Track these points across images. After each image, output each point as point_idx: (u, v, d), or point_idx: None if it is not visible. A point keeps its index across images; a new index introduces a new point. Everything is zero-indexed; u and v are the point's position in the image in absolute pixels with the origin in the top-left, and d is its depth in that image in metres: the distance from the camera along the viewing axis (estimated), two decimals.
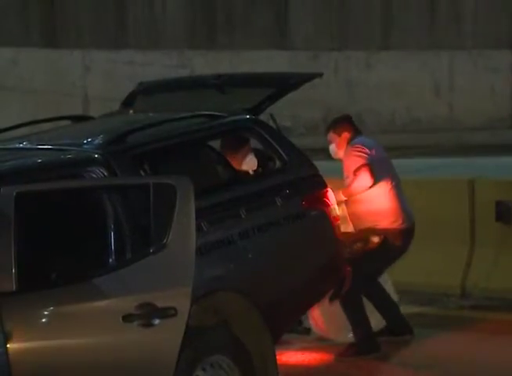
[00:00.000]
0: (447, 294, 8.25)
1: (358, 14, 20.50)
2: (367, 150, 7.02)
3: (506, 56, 21.23)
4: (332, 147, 7.18)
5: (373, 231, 7.00)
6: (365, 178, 6.90)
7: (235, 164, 6.20)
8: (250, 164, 6.51)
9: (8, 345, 4.45)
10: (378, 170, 6.97)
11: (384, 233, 7.00)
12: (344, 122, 7.25)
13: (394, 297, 7.30)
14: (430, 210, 8.44)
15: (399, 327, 7.20)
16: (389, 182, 7.08)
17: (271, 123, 6.42)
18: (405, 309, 7.36)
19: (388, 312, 7.20)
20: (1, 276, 4.50)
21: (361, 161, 6.95)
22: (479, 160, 12.06)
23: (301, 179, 6.15)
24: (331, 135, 7.18)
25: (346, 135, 7.13)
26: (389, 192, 7.06)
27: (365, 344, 6.91)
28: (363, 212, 6.99)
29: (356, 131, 7.21)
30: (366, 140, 7.26)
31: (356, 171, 6.91)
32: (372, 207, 6.98)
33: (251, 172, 6.42)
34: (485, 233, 8.34)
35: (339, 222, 6.28)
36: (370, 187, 6.92)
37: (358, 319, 6.93)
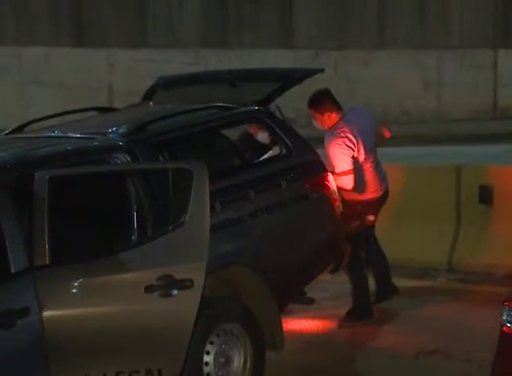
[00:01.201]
0: (436, 269, 8.23)
1: (355, 17, 20.43)
2: (351, 137, 6.64)
3: (489, 55, 21.16)
4: (315, 123, 6.86)
5: (355, 203, 6.80)
6: (347, 181, 6.60)
7: None
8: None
9: (42, 313, 4.48)
10: (357, 151, 6.68)
11: (364, 204, 6.86)
12: (325, 101, 6.81)
13: None
14: (421, 193, 8.43)
15: (389, 289, 7.22)
16: (367, 159, 6.78)
17: (277, 114, 6.40)
18: (397, 282, 7.35)
19: (381, 272, 7.19)
20: (36, 251, 4.52)
21: (344, 165, 6.58)
22: (465, 148, 11.99)
23: (304, 164, 6.13)
24: (313, 114, 6.82)
25: (328, 114, 6.75)
26: (366, 167, 6.80)
27: (363, 310, 6.90)
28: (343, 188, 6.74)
29: (338, 109, 6.79)
30: (350, 118, 6.80)
31: (339, 173, 6.57)
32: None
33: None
34: (470, 214, 8.32)
35: (338, 203, 6.28)
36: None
37: (359, 286, 6.91)
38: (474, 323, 6.71)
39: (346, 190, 6.62)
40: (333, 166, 6.59)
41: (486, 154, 9.70)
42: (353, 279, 6.93)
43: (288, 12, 20.13)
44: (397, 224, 8.38)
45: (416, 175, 8.67)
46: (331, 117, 6.80)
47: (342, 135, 6.69)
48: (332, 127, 6.79)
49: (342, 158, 6.64)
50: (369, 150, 6.83)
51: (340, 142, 6.67)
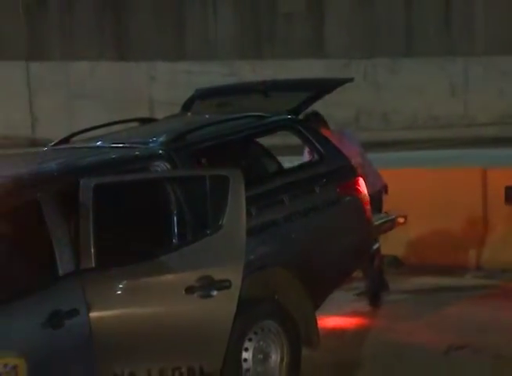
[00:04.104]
0: (464, 267, 8.19)
1: (383, 26, 20.36)
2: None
3: None
4: None
5: None
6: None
7: None
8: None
9: (90, 314, 4.51)
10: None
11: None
12: (320, 120, 7.13)
13: None
14: (449, 195, 8.39)
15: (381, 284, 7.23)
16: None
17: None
18: (426, 280, 7.33)
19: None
20: (82, 255, 4.54)
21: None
22: (490, 151, 11.92)
23: (336, 170, 6.10)
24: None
25: (328, 131, 7.03)
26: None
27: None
28: None
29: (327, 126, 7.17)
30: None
31: None
32: None
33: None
34: (496, 214, 8.28)
35: (368, 206, 6.25)
36: None
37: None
38: (502, 319, 6.65)
39: None
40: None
41: (511, 157, 9.64)
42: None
43: (320, 23, 20.12)
44: (426, 224, 8.35)
45: (444, 177, 8.64)
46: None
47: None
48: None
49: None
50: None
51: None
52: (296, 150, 7.04)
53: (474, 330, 6.47)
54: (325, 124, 7.14)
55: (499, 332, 6.34)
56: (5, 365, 4.25)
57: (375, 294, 7.14)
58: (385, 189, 7.26)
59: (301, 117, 6.32)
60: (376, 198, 7.05)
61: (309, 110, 6.57)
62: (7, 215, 4.50)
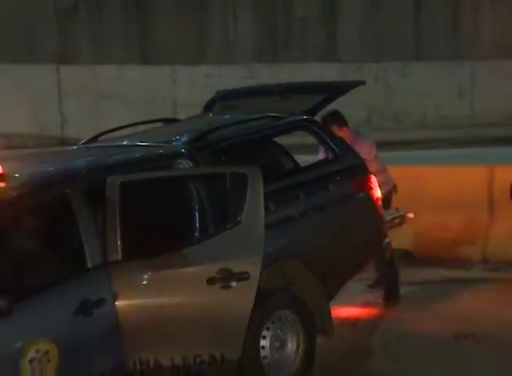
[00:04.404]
0: (471, 261, 8.14)
1: (394, 32, 20.30)
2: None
3: None
4: None
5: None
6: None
7: None
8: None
9: (116, 304, 4.52)
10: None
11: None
12: (342, 118, 7.07)
13: None
14: (457, 191, 8.34)
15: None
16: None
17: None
18: (435, 272, 7.30)
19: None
20: (109, 248, 4.55)
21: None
22: (496, 150, 11.87)
23: (349, 168, 6.09)
24: (335, 129, 6.91)
25: (346, 129, 7.00)
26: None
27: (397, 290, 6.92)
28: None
29: (347, 124, 7.11)
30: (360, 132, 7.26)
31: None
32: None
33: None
34: (502, 210, 8.23)
35: (380, 202, 6.23)
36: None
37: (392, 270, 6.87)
38: (507, 310, 6.62)
39: None
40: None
41: None
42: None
43: (333, 28, 20.07)
44: (435, 219, 8.31)
45: (452, 175, 8.59)
46: (347, 132, 6.98)
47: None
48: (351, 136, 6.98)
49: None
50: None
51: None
52: (311, 149, 7.02)
53: (480, 320, 6.44)
54: (344, 122, 7.09)
55: (504, 322, 6.31)
56: (38, 350, 4.27)
57: (387, 288, 7.04)
58: (394, 188, 7.22)
59: (317, 117, 6.30)
60: (388, 198, 7.00)
61: (329, 109, 6.55)
62: (40, 209, 4.52)
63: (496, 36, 20.76)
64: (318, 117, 6.44)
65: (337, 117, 7.05)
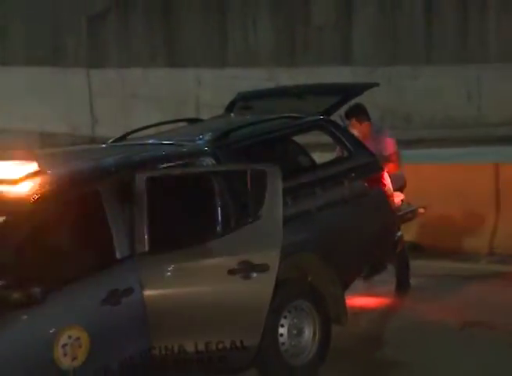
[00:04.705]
0: (478, 253, 8.10)
1: (406, 37, 20.24)
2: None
3: None
4: (355, 132, 6.77)
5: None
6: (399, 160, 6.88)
7: None
8: None
9: (143, 293, 4.53)
10: None
11: None
12: (364, 113, 6.94)
13: None
14: (465, 187, 8.30)
15: None
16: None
17: (340, 122, 6.36)
18: (444, 265, 7.26)
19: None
20: (137, 240, 4.57)
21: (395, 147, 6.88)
22: (502, 149, 11.80)
23: (363, 165, 6.07)
24: (354, 123, 6.86)
25: (367, 123, 6.91)
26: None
27: (408, 281, 6.88)
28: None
29: (369, 119, 6.98)
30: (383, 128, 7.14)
31: (393, 155, 6.84)
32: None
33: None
34: (508, 204, 8.19)
35: (393, 197, 6.20)
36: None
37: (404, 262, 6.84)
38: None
39: None
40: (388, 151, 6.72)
41: None
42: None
43: (347, 33, 20.04)
44: (444, 214, 8.27)
45: (461, 172, 8.56)
46: (368, 127, 6.90)
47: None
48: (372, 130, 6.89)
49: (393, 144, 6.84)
50: None
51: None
52: (327, 148, 6.98)
53: (488, 310, 6.40)
54: (365, 116, 6.99)
55: (510, 311, 6.27)
56: (70, 336, 4.29)
57: (400, 280, 7.00)
58: (405, 184, 7.19)
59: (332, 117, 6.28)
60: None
61: (353, 102, 6.52)
62: (72, 204, 4.53)
63: (502, 41, 20.64)
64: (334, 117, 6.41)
65: (358, 111, 6.93)
